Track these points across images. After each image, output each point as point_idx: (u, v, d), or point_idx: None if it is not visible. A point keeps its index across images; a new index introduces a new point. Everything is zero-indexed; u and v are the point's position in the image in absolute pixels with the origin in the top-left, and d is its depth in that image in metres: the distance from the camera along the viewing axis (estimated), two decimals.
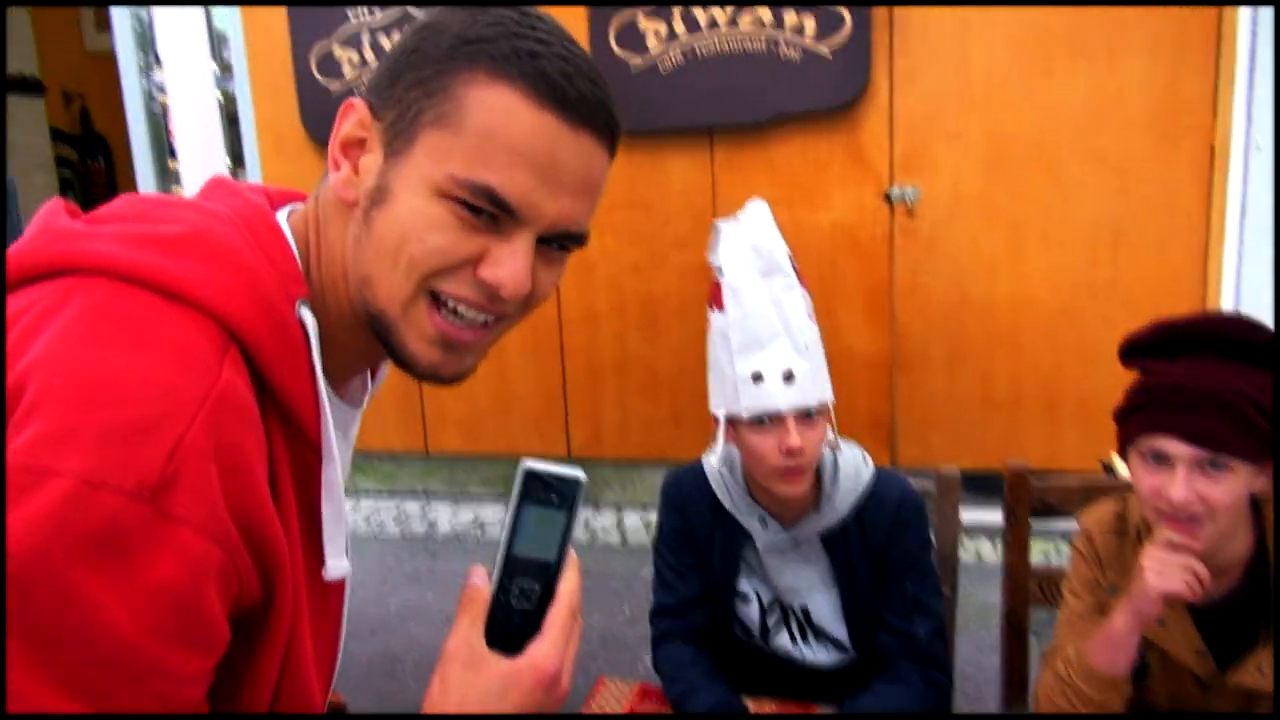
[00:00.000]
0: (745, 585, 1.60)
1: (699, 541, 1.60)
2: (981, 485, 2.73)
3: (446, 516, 4.03)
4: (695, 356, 3.75)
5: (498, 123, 0.69)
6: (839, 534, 1.53)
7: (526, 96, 0.69)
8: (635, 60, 3.45)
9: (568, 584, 0.71)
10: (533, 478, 0.69)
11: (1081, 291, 3.26)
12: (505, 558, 0.70)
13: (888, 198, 3.34)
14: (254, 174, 3.90)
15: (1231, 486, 1.17)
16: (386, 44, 3.64)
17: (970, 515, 2.08)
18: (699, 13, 3.34)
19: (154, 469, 0.57)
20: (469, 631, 0.69)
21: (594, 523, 3.89)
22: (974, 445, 3.44)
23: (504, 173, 0.69)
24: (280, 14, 3.73)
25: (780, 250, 1.44)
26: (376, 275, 0.72)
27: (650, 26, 3.40)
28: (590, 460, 3.98)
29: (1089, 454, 3.13)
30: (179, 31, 3.45)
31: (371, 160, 0.72)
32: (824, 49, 3.23)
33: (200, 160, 3.54)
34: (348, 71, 3.69)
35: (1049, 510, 1.70)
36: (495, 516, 3.99)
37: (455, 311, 0.73)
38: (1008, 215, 3.27)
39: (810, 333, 1.44)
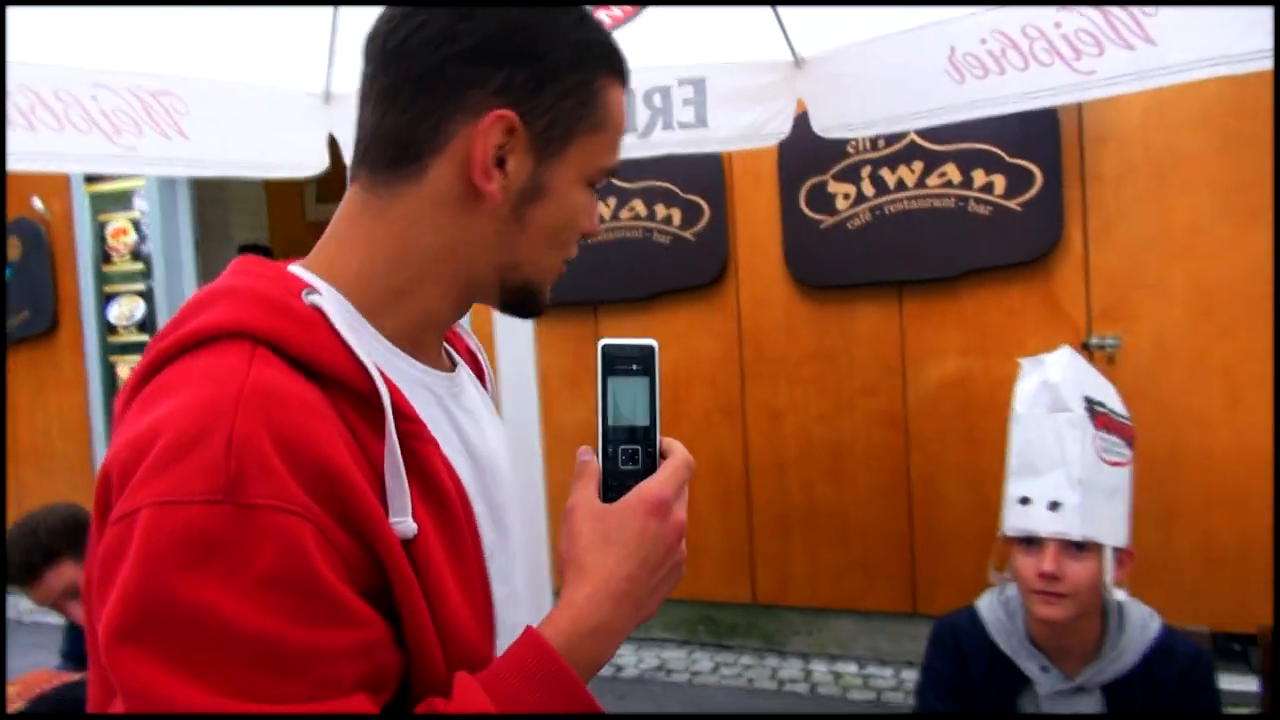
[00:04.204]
0: None
1: (972, 690, 1.60)
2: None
3: (632, 660, 4.06)
4: (886, 506, 3.77)
5: (620, 117, 0.83)
6: (1124, 685, 1.51)
7: (623, 87, 0.84)
8: (825, 219, 3.61)
9: (679, 445, 0.81)
10: (612, 353, 0.79)
11: None
12: (603, 429, 0.79)
13: (1086, 346, 3.32)
14: None
15: None
16: (889, 177, 3.60)
17: None
18: (887, 175, 3.49)
19: (218, 470, 0.62)
20: (584, 491, 0.78)
21: (781, 671, 3.83)
22: (1195, 605, 3.24)
23: (618, 152, 0.84)
24: None
25: (1074, 391, 1.52)
26: (532, 258, 0.82)
27: (840, 189, 3.58)
28: (777, 607, 3.96)
29: None
30: None
31: (518, 163, 0.78)
32: (1014, 205, 3.31)
33: None
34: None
35: None
36: (680, 662, 3.99)
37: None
38: (1220, 365, 3.19)
39: (1098, 472, 1.48)
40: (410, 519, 0.71)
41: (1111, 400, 1.57)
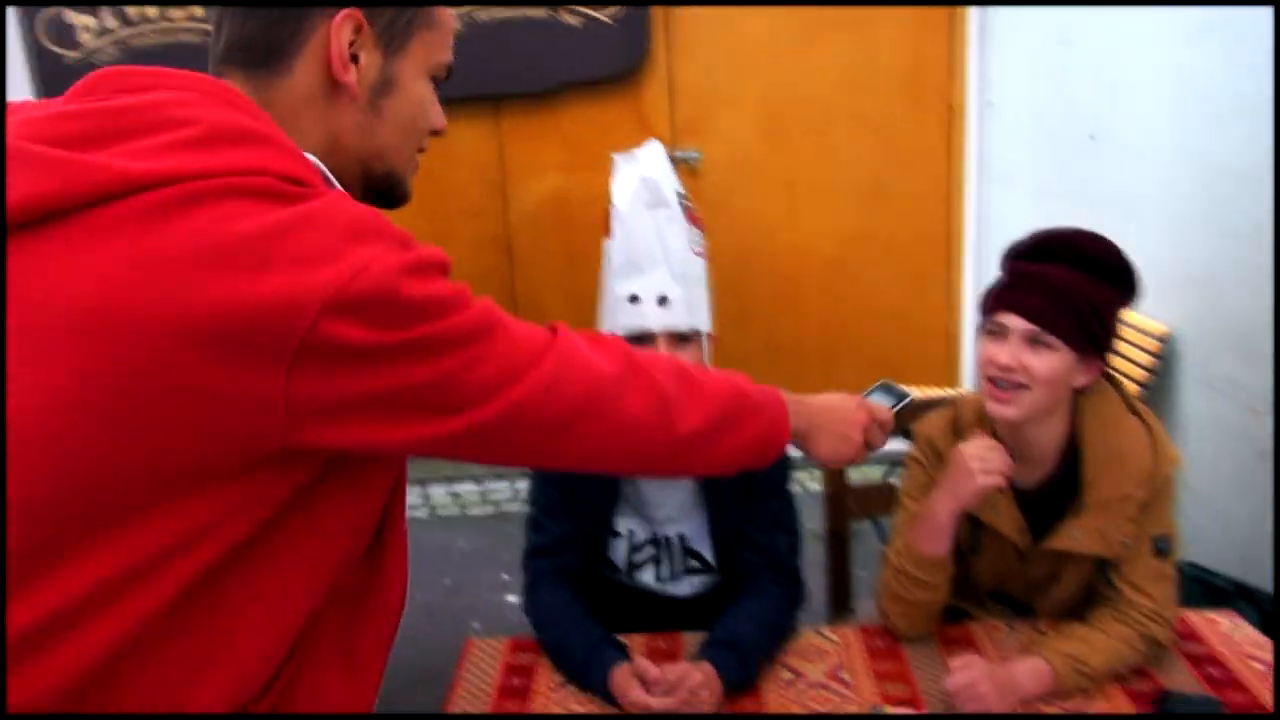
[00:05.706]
0: (620, 523, 1.67)
1: (576, 479, 1.64)
2: None
3: None
4: None
5: (450, 19, 0.95)
6: None
7: None
8: None
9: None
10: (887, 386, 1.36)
11: (850, 243, 3.57)
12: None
13: (671, 161, 3.48)
14: None
15: (1051, 362, 1.38)
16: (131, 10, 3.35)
17: None
18: None
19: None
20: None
21: None
22: None
23: (451, 50, 0.96)
24: None
25: (668, 186, 1.53)
26: (391, 147, 0.93)
27: None
28: None
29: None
30: None
31: (368, 58, 0.88)
32: (605, 17, 3.32)
33: None
34: (85, 38, 3.35)
35: None
36: None
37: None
38: (783, 175, 3.52)
39: (691, 264, 1.53)
40: None
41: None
